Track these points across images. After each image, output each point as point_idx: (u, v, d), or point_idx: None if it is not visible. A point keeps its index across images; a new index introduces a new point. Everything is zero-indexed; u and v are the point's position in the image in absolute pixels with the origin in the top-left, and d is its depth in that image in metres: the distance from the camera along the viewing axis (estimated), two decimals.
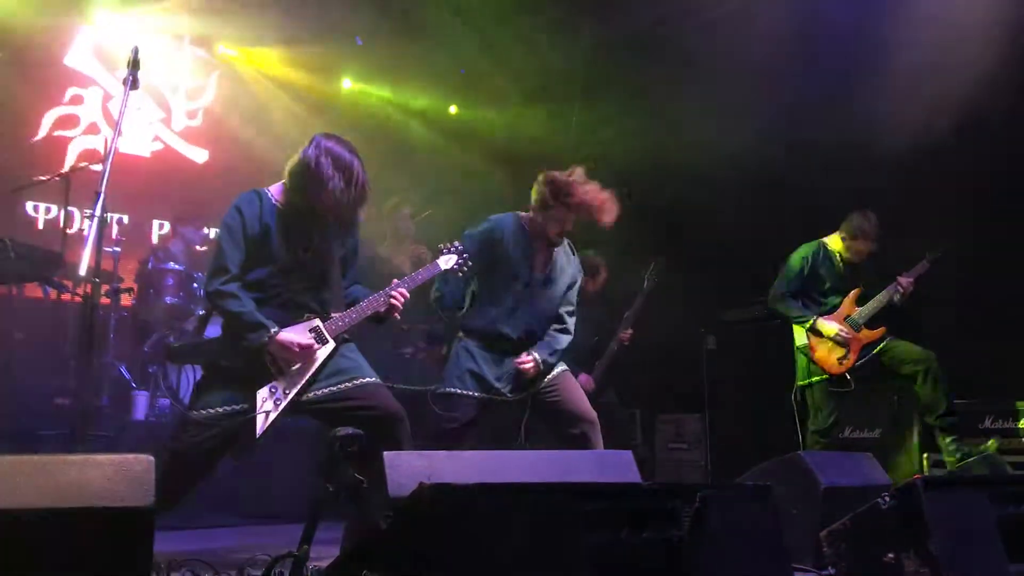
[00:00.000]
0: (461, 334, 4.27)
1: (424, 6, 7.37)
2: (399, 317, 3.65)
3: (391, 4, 7.51)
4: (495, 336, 4.20)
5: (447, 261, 3.85)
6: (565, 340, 4.38)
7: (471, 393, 4.13)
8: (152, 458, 2.29)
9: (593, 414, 4.24)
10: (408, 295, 3.61)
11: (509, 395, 4.17)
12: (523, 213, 4.35)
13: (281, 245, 3.45)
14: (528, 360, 4.18)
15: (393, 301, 3.56)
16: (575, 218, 4.22)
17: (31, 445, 4.76)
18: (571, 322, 4.44)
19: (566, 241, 4.43)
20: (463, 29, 7.57)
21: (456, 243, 3.93)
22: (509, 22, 7.30)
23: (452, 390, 4.14)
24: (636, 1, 7.30)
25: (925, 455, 5.34)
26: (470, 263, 3.92)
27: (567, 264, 4.44)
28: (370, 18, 7.68)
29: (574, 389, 4.33)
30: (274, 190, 3.54)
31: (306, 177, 3.38)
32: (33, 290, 6.39)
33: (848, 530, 3.07)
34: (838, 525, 3.10)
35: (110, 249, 6.39)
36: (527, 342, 4.25)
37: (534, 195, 4.25)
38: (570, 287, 4.45)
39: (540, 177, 4.25)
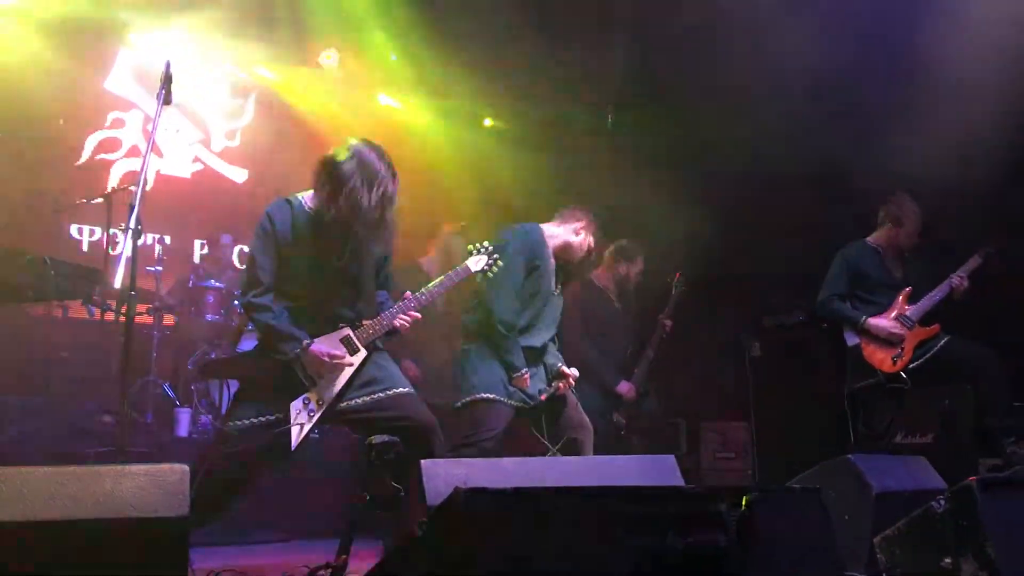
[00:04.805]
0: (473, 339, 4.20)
1: (456, 19, 7.36)
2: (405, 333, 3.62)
3: (423, 19, 7.51)
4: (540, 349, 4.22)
5: (477, 262, 3.80)
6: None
7: (509, 402, 4.07)
8: (187, 468, 2.28)
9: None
10: (419, 317, 3.56)
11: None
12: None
13: (314, 252, 3.43)
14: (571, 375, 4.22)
15: (402, 321, 3.52)
16: None
17: (76, 464, 4.78)
18: None
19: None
20: (496, 41, 7.57)
21: (486, 244, 3.88)
22: (542, 32, 7.26)
23: (491, 396, 4.04)
24: (671, 7, 7.21)
25: (981, 459, 5.16)
26: (500, 263, 3.87)
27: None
28: (403, 33, 7.69)
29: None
30: (307, 197, 3.53)
31: (330, 178, 3.36)
32: (78, 310, 6.47)
33: (902, 535, 2.95)
34: (892, 530, 2.98)
35: (152, 268, 6.47)
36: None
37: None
38: None
39: None
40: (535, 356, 4.21)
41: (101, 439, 5.10)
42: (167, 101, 3.33)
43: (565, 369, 4.27)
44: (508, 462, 2.98)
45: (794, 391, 6.43)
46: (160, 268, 6.53)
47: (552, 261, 4.31)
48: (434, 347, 5.67)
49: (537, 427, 4.12)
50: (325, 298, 3.46)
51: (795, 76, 6.11)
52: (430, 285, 3.64)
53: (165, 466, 2.26)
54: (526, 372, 4.08)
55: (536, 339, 4.21)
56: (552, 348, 4.37)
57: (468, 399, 4.04)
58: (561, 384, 4.21)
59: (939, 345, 5.01)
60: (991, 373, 4.80)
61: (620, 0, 7.34)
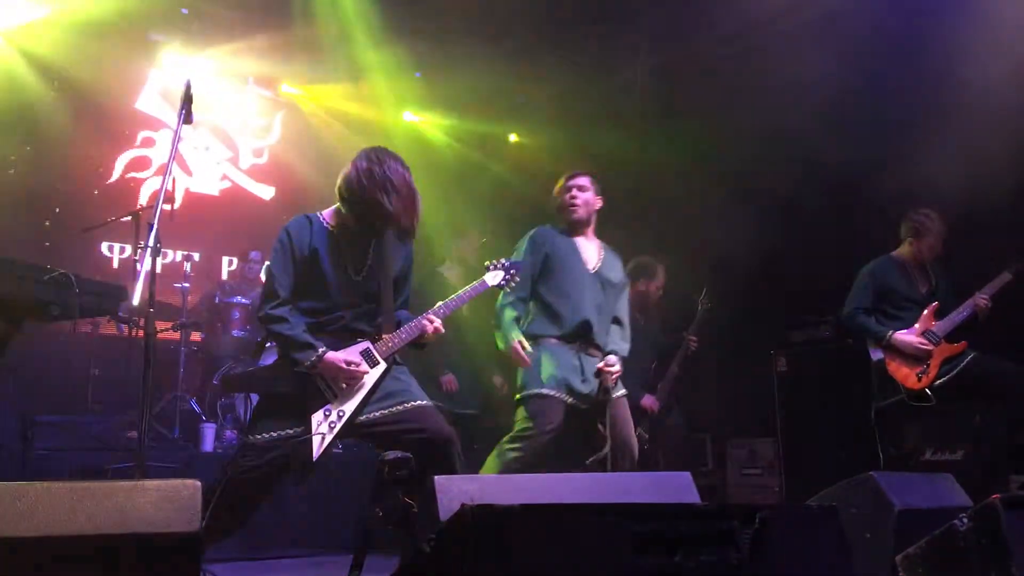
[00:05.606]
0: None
1: (478, 37, 7.40)
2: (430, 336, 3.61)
3: (446, 37, 7.56)
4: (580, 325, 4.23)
5: (494, 277, 3.84)
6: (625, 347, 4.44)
7: (563, 397, 4.12)
8: (199, 483, 2.29)
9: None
10: (442, 328, 3.56)
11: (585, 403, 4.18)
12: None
13: (333, 268, 3.46)
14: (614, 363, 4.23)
15: (427, 328, 3.52)
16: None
17: (99, 479, 4.84)
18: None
19: (601, 243, 4.58)
20: (521, 58, 7.60)
21: (503, 260, 3.91)
22: (564, 48, 7.29)
23: (543, 391, 4.09)
24: (694, 22, 7.20)
25: (1013, 476, 5.06)
26: (517, 278, 3.90)
27: (615, 262, 4.54)
28: (427, 51, 7.75)
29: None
30: (326, 214, 3.57)
31: (356, 186, 3.39)
32: (109, 328, 6.57)
33: (924, 554, 2.89)
34: (914, 549, 2.92)
35: (180, 285, 6.56)
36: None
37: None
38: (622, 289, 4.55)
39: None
40: (578, 336, 4.25)
41: (127, 455, 5.16)
42: (188, 120, 3.37)
43: (600, 365, 4.25)
44: (522, 478, 2.96)
45: (822, 406, 6.33)
46: (188, 285, 6.62)
47: (574, 246, 4.43)
48: (466, 359, 5.79)
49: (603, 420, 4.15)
50: (344, 313, 3.47)
51: (821, 92, 6.08)
52: (447, 299, 3.65)
53: (177, 481, 2.27)
54: (515, 340, 4.11)
55: (571, 316, 4.24)
56: (613, 338, 4.39)
57: (522, 394, 4.16)
58: (604, 376, 4.22)
59: (965, 362, 4.91)
60: (1020, 390, 4.70)
61: (645, 17, 7.34)
